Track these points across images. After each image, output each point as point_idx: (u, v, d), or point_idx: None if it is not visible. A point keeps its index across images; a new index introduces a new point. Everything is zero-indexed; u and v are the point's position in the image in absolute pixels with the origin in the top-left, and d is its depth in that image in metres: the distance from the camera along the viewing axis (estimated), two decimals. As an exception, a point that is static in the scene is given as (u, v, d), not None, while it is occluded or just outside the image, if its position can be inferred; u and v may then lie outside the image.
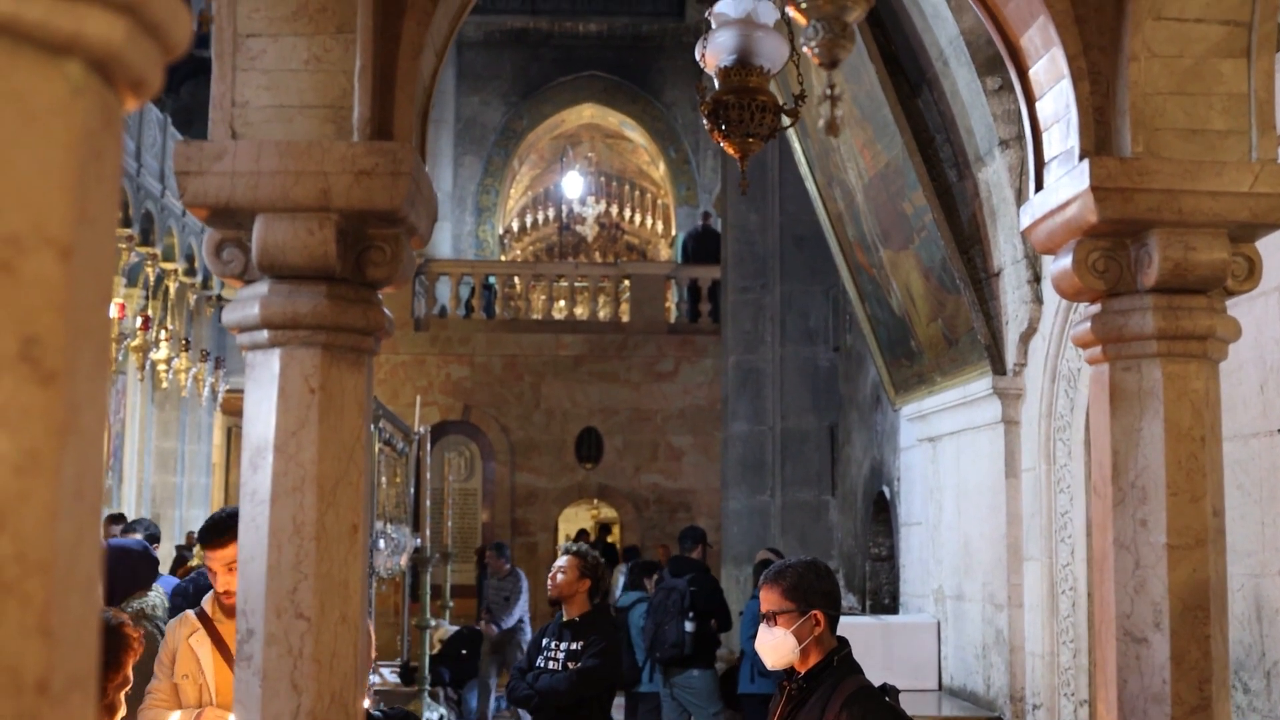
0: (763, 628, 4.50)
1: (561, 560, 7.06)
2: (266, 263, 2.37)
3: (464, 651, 14.09)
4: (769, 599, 4.51)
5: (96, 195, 0.95)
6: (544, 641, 7.09)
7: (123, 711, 2.63)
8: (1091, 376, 2.70)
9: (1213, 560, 2.45)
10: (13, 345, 0.88)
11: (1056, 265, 2.73)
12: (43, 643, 0.88)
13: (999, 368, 7.28)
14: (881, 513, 10.65)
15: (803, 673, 4.39)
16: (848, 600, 10.48)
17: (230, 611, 4.94)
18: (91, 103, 0.93)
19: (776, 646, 4.42)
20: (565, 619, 7.02)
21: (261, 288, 2.40)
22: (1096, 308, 2.69)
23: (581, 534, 16.83)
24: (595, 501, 21.70)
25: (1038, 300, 6.96)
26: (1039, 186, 2.88)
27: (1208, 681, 2.40)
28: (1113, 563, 2.48)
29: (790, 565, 4.62)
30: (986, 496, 7.52)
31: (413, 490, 18.11)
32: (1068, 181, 2.68)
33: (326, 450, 2.33)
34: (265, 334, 2.38)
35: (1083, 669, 6.38)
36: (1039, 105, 2.91)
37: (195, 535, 9.62)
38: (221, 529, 4.87)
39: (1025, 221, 2.92)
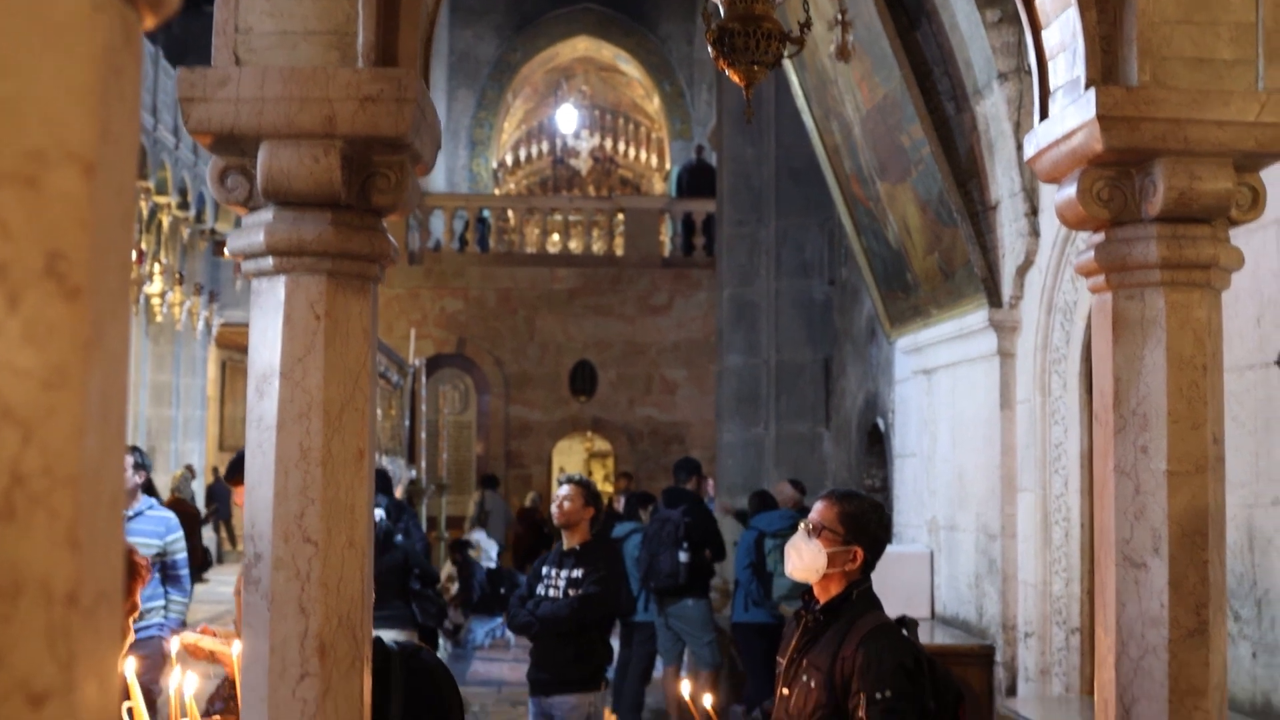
0: (801, 534, 4.45)
1: (565, 489, 7.11)
2: (271, 190, 2.36)
3: (502, 590, 14.20)
4: (824, 513, 4.44)
5: (118, 113, 0.95)
6: (544, 569, 7.14)
7: (131, 637, 2.66)
8: (1094, 305, 2.70)
9: (1212, 487, 2.47)
10: (38, 260, 0.88)
11: (1061, 194, 2.73)
12: (72, 555, 0.89)
13: (995, 300, 7.29)
14: (876, 445, 10.70)
15: (822, 603, 4.38)
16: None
17: None
18: (112, 18, 0.92)
19: (809, 559, 4.36)
20: (566, 547, 7.07)
21: (266, 215, 2.40)
22: (1100, 237, 2.69)
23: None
24: (589, 434, 21.77)
25: (1034, 233, 6.96)
26: (1044, 115, 2.87)
27: (1205, 606, 2.43)
28: (1113, 489, 2.50)
29: (861, 496, 4.57)
30: (981, 428, 7.55)
31: (408, 423, 18.17)
32: (1073, 110, 2.67)
33: (332, 376, 2.34)
34: (270, 261, 2.38)
35: (1075, 598, 6.44)
36: (1045, 34, 2.90)
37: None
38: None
39: (1030, 151, 2.91)
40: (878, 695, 4.12)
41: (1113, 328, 2.58)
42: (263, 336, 2.37)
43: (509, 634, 15.26)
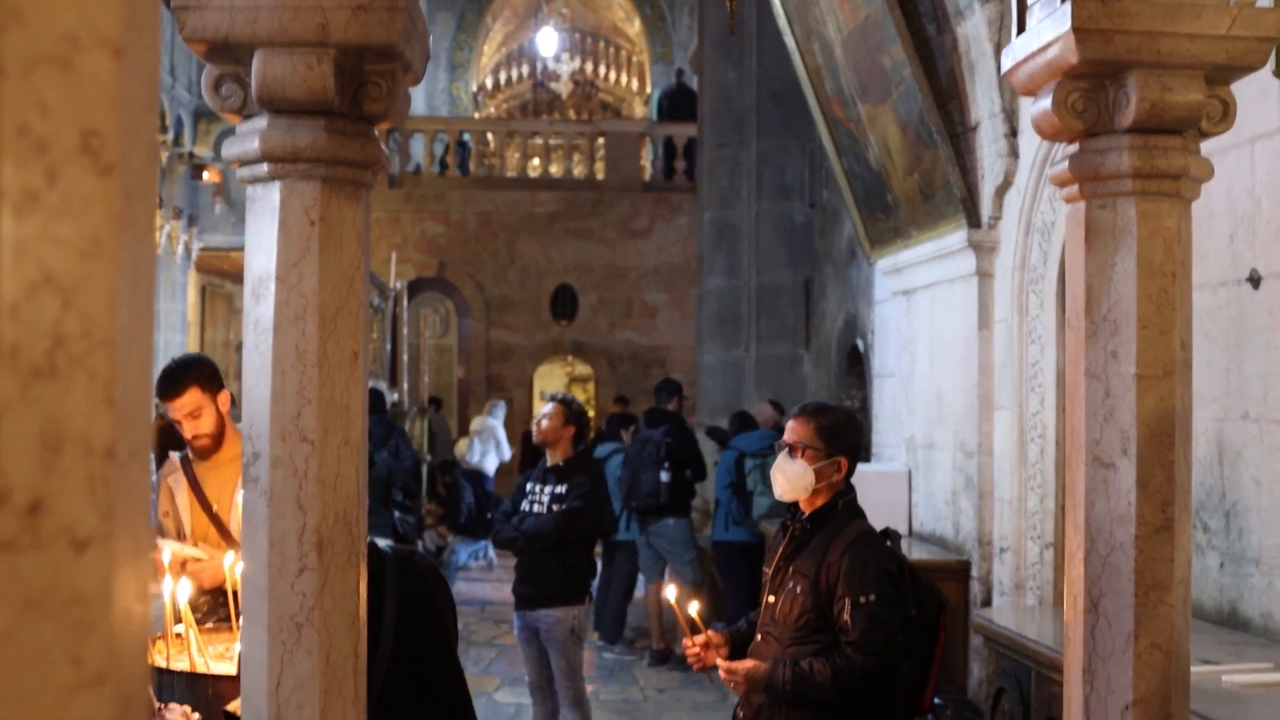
0: (783, 457, 4.54)
1: (547, 407, 7.21)
2: (266, 97, 2.41)
3: (489, 514, 14.30)
4: (800, 431, 4.53)
5: (143, 1, 1.01)
6: (528, 485, 7.24)
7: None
8: (1068, 215, 2.77)
9: (1179, 391, 2.56)
10: (73, 138, 0.94)
11: (1037, 106, 2.79)
12: (109, 413, 0.96)
13: (974, 221, 7.35)
14: (855, 365, 10.79)
15: (808, 513, 4.47)
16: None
17: (201, 454, 5.06)
18: (137, -86, 0.98)
19: (795, 477, 4.45)
20: (550, 464, 7.17)
21: (261, 122, 2.45)
22: (1074, 148, 2.76)
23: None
24: (570, 358, 21.83)
25: (1014, 154, 7.02)
26: (1021, 29, 2.93)
27: (1170, 504, 2.52)
28: (1084, 392, 2.58)
29: (833, 408, 4.68)
30: (959, 347, 7.64)
31: (389, 346, 18.20)
32: (1049, 24, 2.73)
33: (327, 280, 2.39)
34: (265, 167, 2.43)
35: (1049, 513, 6.56)
36: (1023, -52, 2.95)
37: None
38: (172, 380, 4.97)
39: (1007, 64, 2.97)
40: (861, 599, 4.22)
41: (1085, 236, 2.65)
42: (258, 241, 2.43)
43: (493, 555, 15.41)
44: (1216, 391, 4.95)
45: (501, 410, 16.85)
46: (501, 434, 16.59)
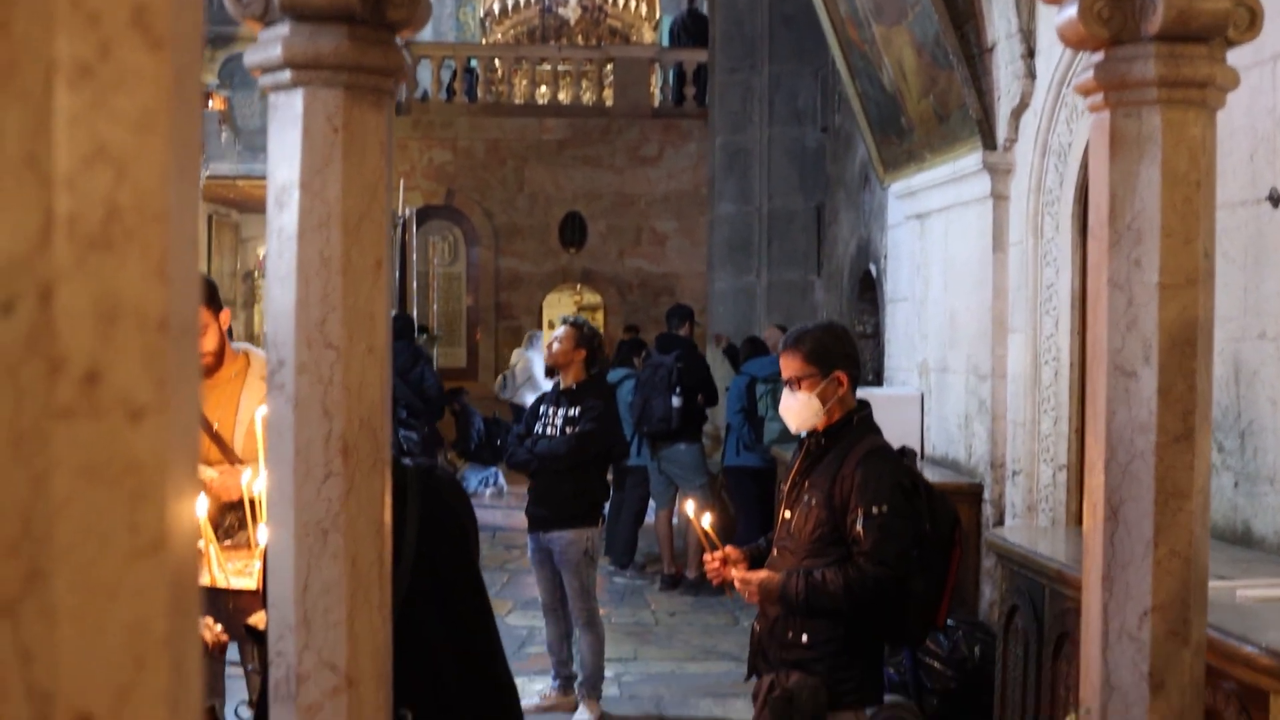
0: (786, 393, 4.58)
1: (559, 330, 7.23)
2: (288, 4, 2.39)
3: (498, 441, 14.34)
4: (791, 365, 4.57)
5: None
6: (541, 408, 7.27)
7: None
8: (1093, 124, 2.76)
9: (1202, 300, 2.56)
10: (125, 12, 0.94)
11: (1062, 14, 2.76)
12: (162, 287, 0.96)
13: (990, 143, 7.31)
14: (868, 291, 10.78)
15: (822, 430, 4.49)
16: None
17: (207, 372, 5.09)
18: None
19: (801, 410, 4.51)
20: (562, 387, 7.19)
21: (283, 29, 2.43)
22: (1099, 56, 2.74)
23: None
24: (579, 286, 21.81)
25: (1030, 75, 6.96)
26: (1046, -63, 2.90)
27: (1191, 413, 2.53)
28: (1106, 302, 2.58)
29: (808, 330, 4.69)
30: (973, 270, 7.63)
31: (398, 274, 18.17)
32: (1075, -69, 2.70)
33: (350, 187, 2.39)
34: (288, 74, 2.42)
35: (1063, 435, 6.58)
36: None
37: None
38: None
39: (1031, -27, 2.95)
40: (874, 510, 4.26)
41: (1109, 145, 2.64)
42: (281, 149, 2.42)
43: (503, 482, 15.49)
44: (1234, 311, 4.94)
45: (540, 340, 16.72)
46: (539, 367, 16.48)
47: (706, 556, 4.66)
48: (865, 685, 4.43)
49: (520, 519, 7.66)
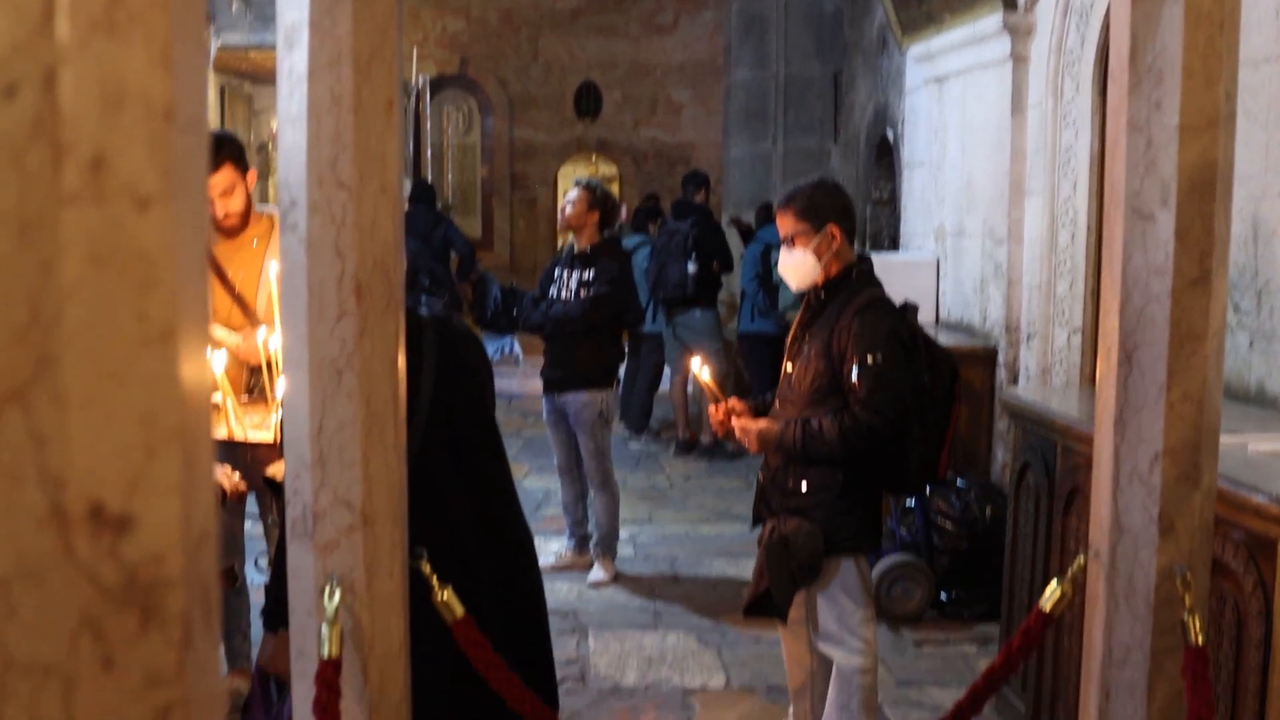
0: (783, 251, 4.62)
1: (572, 193, 7.19)
2: None
3: (514, 311, 14.36)
4: (784, 223, 4.62)
5: None
6: (555, 271, 7.26)
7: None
8: (1115, -37, 2.70)
9: (1222, 142, 2.52)
10: None
11: None
12: (167, 74, 0.95)
13: (1010, 3, 7.19)
14: (884, 157, 10.69)
15: (823, 284, 4.54)
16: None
17: (229, 234, 5.05)
18: None
19: (798, 267, 4.55)
20: (576, 250, 7.17)
21: None
22: (1124, -106, 2.68)
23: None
24: (594, 156, 21.65)
25: (1052, -68, 6.83)
26: None
27: (1208, 256, 2.51)
28: (1125, 144, 2.55)
29: (799, 188, 4.71)
30: (991, 133, 7.56)
31: (412, 145, 18.06)
32: None
33: (360, 25, 2.36)
34: (295, -91, 2.38)
35: (1078, 298, 6.56)
36: None
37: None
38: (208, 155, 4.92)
39: None
40: (869, 359, 4.32)
41: (1132, -15, 2.59)
42: (290, -13, 2.39)
43: (518, 350, 15.53)
44: (1255, 169, 4.89)
45: None
46: None
47: (711, 409, 4.73)
48: (862, 533, 4.52)
49: (536, 386, 7.70)
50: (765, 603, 4.62)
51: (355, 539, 2.40)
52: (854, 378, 4.34)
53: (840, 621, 4.54)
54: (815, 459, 4.44)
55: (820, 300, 4.53)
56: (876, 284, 4.56)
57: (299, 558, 2.43)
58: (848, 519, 4.47)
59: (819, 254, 4.49)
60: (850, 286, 4.49)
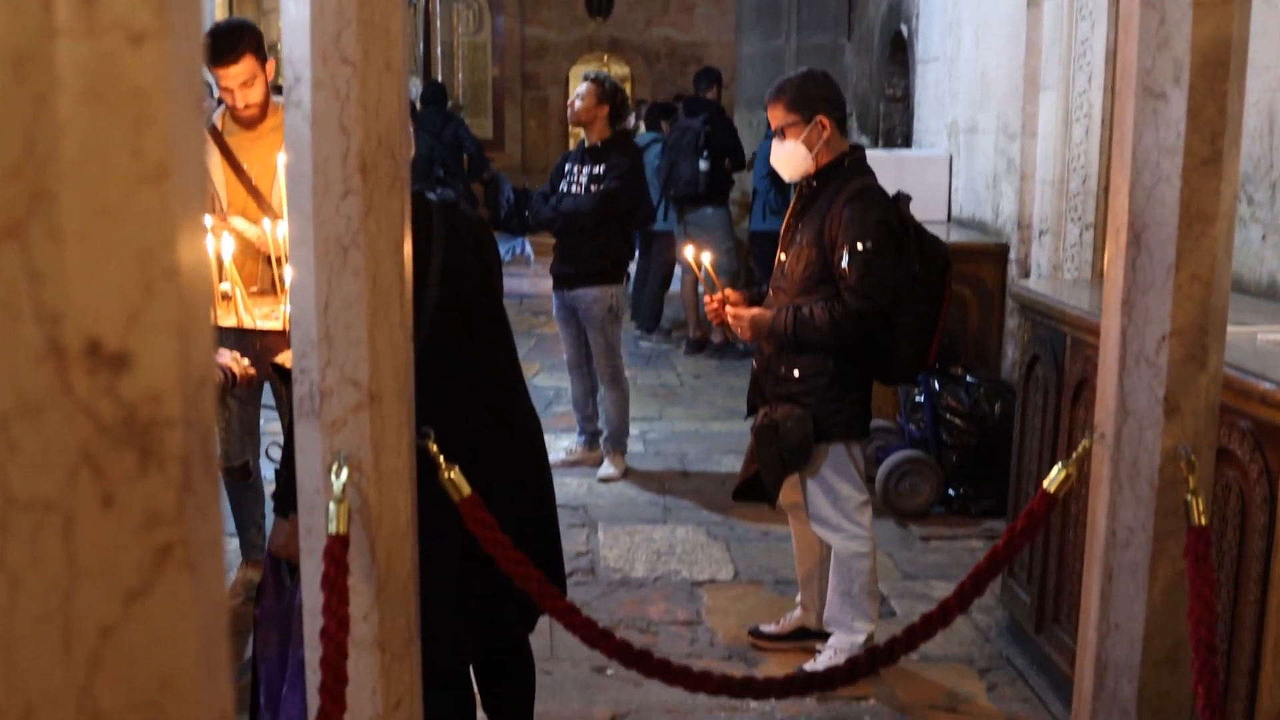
0: (775, 143, 4.68)
1: (581, 87, 7.12)
2: None
3: (526, 212, 14.32)
4: (775, 115, 4.67)
5: None
6: (566, 166, 7.21)
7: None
8: None
9: (1237, 19, 2.48)
10: None
11: None
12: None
13: (1027, -107, 7.07)
14: (898, 53, 10.57)
15: (814, 172, 4.59)
16: (861, 140, 10.56)
17: (247, 124, 5.02)
18: None
19: (789, 158, 4.62)
20: (588, 145, 7.12)
21: None
22: None
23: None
24: (605, 56, 21.46)
25: None
26: None
27: (1220, 135, 2.48)
28: (1138, 20, 2.51)
29: (788, 79, 4.76)
30: (1006, 27, 7.46)
31: (422, 44, 17.89)
32: None
33: (363, -103, 2.33)
34: None
35: (1091, 194, 6.51)
36: None
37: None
38: (229, 45, 4.85)
39: None
40: (859, 246, 4.40)
41: None
42: None
43: (529, 251, 15.51)
44: (1270, 60, 4.83)
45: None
46: None
47: (706, 297, 4.79)
48: (852, 420, 4.61)
49: (547, 286, 7.70)
50: (755, 486, 4.73)
51: (362, 417, 2.41)
52: (844, 264, 4.42)
53: (836, 507, 4.63)
54: (806, 345, 4.52)
55: (812, 189, 4.61)
56: (868, 173, 4.63)
57: (306, 436, 2.44)
58: (838, 405, 4.56)
59: (810, 144, 4.56)
60: (842, 175, 4.56)
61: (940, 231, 7.62)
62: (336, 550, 2.35)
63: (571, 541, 6.10)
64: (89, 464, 0.96)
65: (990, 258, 7.29)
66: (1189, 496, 2.55)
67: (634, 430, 7.91)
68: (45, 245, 0.93)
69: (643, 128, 12.07)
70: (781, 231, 4.77)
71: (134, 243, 0.94)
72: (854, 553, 4.65)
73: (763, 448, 4.60)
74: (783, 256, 4.69)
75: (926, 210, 7.95)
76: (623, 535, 6.39)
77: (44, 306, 0.93)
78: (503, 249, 15.44)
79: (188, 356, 0.98)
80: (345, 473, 2.39)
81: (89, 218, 0.93)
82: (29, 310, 0.93)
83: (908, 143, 9.78)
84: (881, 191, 4.58)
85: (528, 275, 14.74)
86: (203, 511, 1.02)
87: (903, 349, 4.60)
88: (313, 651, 2.39)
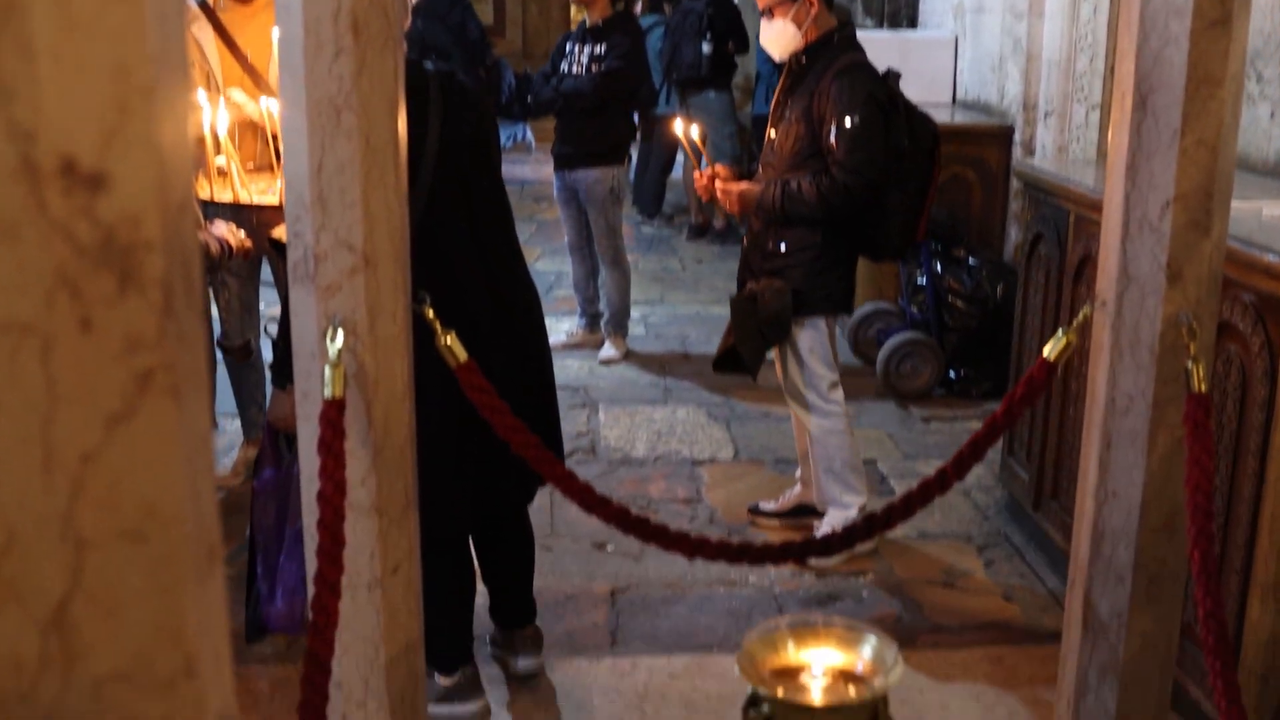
0: (763, 23, 4.69)
1: (582, -37, 7.01)
2: None
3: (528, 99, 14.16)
4: None
5: None
6: (567, 46, 7.12)
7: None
8: None
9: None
10: None
11: None
12: None
13: None
14: (905, -67, 10.39)
15: (803, 49, 4.60)
16: (864, 23, 10.42)
17: (242, 0, 4.97)
18: None
19: (778, 36, 4.63)
20: (589, 24, 7.02)
21: None
22: None
23: None
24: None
25: None
26: None
27: (1232, -7, 2.43)
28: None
29: None
30: (1015, -97, 7.32)
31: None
32: None
33: None
34: None
35: (1098, 74, 6.44)
36: None
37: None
38: None
39: None
40: (846, 121, 4.42)
41: None
42: None
43: (530, 138, 15.38)
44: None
45: None
46: None
47: (695, 173, 4.79)
48: (835, 295, 4.65)
49: (548, 172, 7.64)
50: (734, 358, 4.76)
51: (357, 281, 2.39)
52: (832, 139, 4.46)
53: (810, 385, 4.67)
54: (794, 219, 4.55)
55: (801, 66, 4.63)
56: (858, 49, 4.64)
57: (301, 301, 2.43)
58: (824, 279, 4.60)
59: (798, 22, 4.59)
60: (831, 51, 4.58)
61: (945, 114, 7.56)
62: (333, 414, 2.34)
63: (572, 422, 6.12)
64: (67, 286, 0.94)
65: (995, 140, 7.22)
66: (1189, 363, 2.53)
67: (635, 313, 7.90)
68: (15, 60, 0.90)
69: (645, 9, 11.90)
70: (771, 108, 4.78)
71: (108, 58, 0.92)
72: (828, 430, 4.71)
73: (740, 320, 4.66)
74: (772, 133, 4.71)
75: (931, 92, 7.87)
76: (623, 416, 6.40)
77: (16, 124, 0.91)
78: (504, 135, 15.31)
79: (166, 179, 0.96)
80: (341, 337, 2.38)
81: (60, 32, 0.90)
82: (1, 128, 0.91)
83: (913, 24, 9.64)
84: (870, 67, 4.58)
85: (529, 162, 14.64)
86: (185, 339, 1.00)
87: (892, 225, 4.64)
88: (310, 515, 2.40)
